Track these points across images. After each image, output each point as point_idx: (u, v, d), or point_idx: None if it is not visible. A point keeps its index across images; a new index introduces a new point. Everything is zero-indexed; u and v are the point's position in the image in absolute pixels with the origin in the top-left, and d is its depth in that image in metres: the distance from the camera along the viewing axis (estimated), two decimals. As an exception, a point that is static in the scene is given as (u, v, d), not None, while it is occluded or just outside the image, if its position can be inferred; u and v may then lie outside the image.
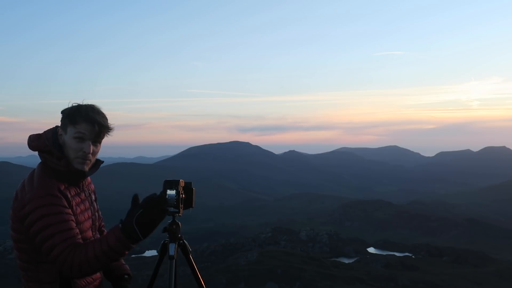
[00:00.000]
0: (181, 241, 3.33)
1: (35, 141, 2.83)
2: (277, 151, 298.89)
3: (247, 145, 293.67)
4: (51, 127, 2.89)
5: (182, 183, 3.28)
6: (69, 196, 2.75)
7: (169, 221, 3.32)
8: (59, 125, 2.83)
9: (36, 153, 2.90)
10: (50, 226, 2.58)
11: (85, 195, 2.93)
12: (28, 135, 2.87)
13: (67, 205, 2.69)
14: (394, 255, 59.67)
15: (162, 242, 3.36)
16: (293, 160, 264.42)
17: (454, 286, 42.84)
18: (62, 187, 2.73)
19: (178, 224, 3.31)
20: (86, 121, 2.73)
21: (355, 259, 56.37)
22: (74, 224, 2.67)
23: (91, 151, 2.77)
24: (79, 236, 2.67)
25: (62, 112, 2.82)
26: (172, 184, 3.23)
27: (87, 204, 2.91)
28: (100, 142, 2.85)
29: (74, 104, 2.81)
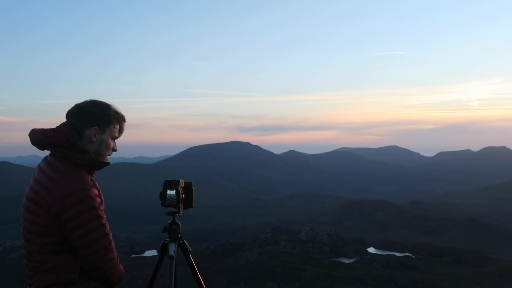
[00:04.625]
0: (181, 241, 3.35)
1: (52, 137, 2.80)
2: (277, 151, 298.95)
3: (247, 145, 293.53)
4: (52, 127, 2.90)
5: (182, 183, 3.30)
6: (96, 186, 2.87)
7: (169, 221, 3.33)
8: (73, 122, 2.87)
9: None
10: (96, 228, 2.73)
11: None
12: (30, 130, 2.87)
13: (100, 196, 2.83)
14: (394, 255, 59.64)
15: (162, 242, 3.37)
16: (293, 160, 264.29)
17: (454, 286, 42.84)
18: (91, 178, 2.85)
19: (178, 224, 3.33)
20: (122, 121, 2.99)
21: (355, 259, 56.34)
22: (108, 224, 2.83)
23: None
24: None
25: (94, 111, 2.87)
26: (172, 184, 3.25)
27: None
28: None
29: (95, 100, 2.93)
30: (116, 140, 3.02)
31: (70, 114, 2.89)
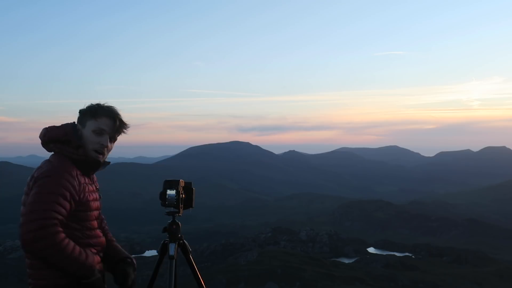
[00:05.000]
0: (181, 241, 3.34)
1: (53, 131, 2.91)
2: (277, 151, 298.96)
3: (247, 145, 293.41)
4: (51, 124, 3.01)
5: (182, 183, 3.31)
6: (83, 181, 2.88)
7: (169, 221, 3.33)
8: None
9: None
10: (44, 200, 2.66)
11: (95, 188, 3.04)
12: (42, 129, 2.97)
13: (76, 187, 2.79)
14: (394, 255, 59.58)
15: (162, 242, 3.37)
16: (293, 160, 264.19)
17: (454, 286, 42.82)
18: (77, 173, 2.87)
19: (178, 224, 3.33)
20: (107, 116, 2.94)
21: (355, 259, 56.30)
22: (65, 211, 2.72)
23: (108, 144, 2.96)
24: (60, 223, 2.71)
25: (81, 109, 2.98)
26: (172, 184, 3.25)
27: (97, 195, 3.01)
28: (115, 140, 3.03)
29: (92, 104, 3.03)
30: (116, 141, 3.04)
31: None
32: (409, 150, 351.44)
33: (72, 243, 2.71)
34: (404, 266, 50.18)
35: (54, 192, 2.69)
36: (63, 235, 2.67)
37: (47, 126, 2.95)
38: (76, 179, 2.81)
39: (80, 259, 2.70)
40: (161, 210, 3.25)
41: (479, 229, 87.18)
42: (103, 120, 2.92)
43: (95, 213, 2.95)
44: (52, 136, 2.89)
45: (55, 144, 2.89)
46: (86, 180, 2.93)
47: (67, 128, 2.92)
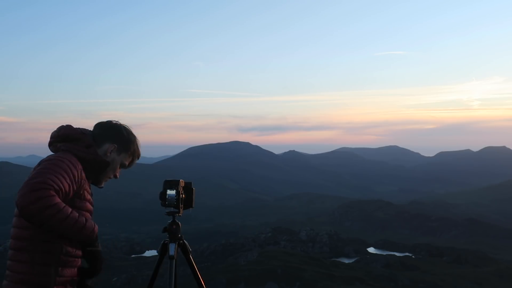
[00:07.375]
0: (181, 241, 3.34)
1: (67, 129, 2.90)
2: (277, 151, 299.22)
3: (247, 145, 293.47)
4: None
5: (182, 183, 3.31)
6: (85, 178, 2.84)
7: (169, 221, 3.33)
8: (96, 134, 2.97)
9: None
10: (43, 172, 2.60)
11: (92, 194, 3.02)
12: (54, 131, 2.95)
13: (77, 177, 2.74)
14: (394, 255, 59.60)
15: (162, 242, 3.37)
16: (293, 160, 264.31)
17: (454, 286, 42.83)
18: (81, 168, 2.82)
19: (178, 224, 3.33)
20: (134, 159, 3.11)
21: (355, 259, 56.31)
22: (63, 187, 2.64)
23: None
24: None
25: (123, 132, 3.01)
26: (172, 184, 3.25)
27: (91, 199, 2.98)
28: None
29: (128, 127, 3.08)
30: None
31: (100, 124, 3.02)
32: (409, 150, 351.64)
33: (69, 208, 2.62)
34: (404, 266, 50.19)
35: (57, 166, 2.65)
36: (60, 200, 2.59)
37: (62, 125, 2.95)
38: (78, 172, 2.75)
39: (80, 222, 2.65)
40: (161, 210, 3.25)
41: (479, 229, 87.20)
42: (132, 158, 3.09)
43: (87, 215, 2.90)
44: (66, 133, 2.88)
45: (64, 143, 2.86)
46: (87, 181, 2.91)
47: (84, 130, 2.94)
